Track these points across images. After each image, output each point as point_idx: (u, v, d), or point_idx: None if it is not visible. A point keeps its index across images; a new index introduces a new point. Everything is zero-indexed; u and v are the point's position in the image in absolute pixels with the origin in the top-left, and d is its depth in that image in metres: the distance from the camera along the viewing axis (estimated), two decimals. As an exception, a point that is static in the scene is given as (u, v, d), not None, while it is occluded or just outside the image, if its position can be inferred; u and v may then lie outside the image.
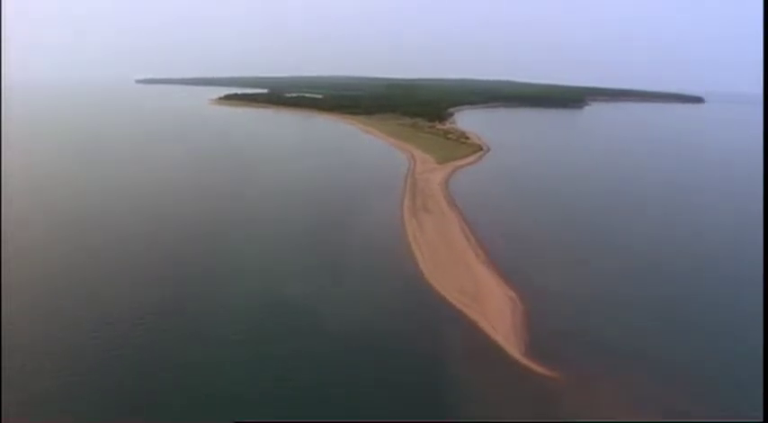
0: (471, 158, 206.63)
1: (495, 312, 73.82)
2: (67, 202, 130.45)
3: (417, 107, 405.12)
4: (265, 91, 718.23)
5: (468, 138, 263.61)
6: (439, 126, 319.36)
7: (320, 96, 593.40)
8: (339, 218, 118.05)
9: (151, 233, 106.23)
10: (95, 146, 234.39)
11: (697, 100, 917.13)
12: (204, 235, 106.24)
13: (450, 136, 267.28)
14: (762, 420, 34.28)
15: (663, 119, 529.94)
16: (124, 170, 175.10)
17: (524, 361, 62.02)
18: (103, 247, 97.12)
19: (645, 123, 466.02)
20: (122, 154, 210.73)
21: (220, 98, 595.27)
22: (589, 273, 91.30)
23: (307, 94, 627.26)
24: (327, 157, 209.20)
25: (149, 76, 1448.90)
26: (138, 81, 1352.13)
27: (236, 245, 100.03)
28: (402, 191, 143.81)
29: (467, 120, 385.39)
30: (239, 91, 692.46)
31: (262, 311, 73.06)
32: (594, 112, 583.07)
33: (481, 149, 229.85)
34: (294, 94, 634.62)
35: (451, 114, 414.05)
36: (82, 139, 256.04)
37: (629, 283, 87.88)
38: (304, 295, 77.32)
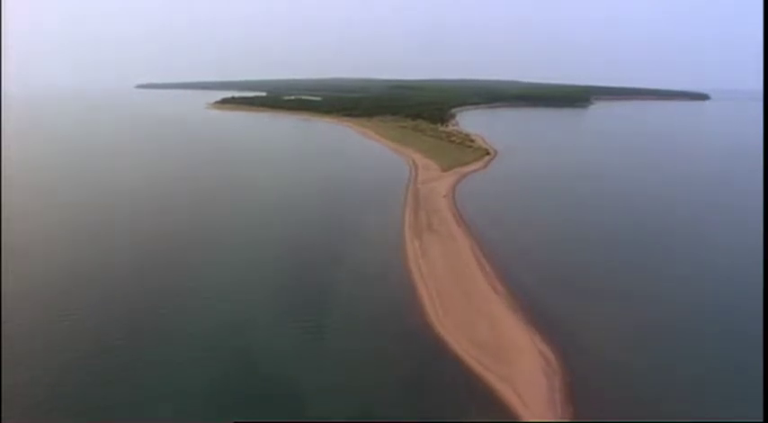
0: (478, 164, 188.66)
1: (525, 377, 56.05)
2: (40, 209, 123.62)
3: (419, 108, 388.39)
4: (264, 94, 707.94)
5: (473, 140, 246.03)
6: (441, 128, 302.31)
7: (319, 99, 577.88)
8: (326, 239, 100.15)
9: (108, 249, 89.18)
10: (82, 152, 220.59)
11: (702, 97, 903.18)
12: (167, 259, 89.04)
13: (453, 139, 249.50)
14: (762, 420, 33.50)
15: (669, 116, 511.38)
16: (105, 177, 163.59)
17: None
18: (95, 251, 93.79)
19: (652, 121, 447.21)
20: (107, 161, 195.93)
21: (216, 102, 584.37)
22: (642, 311, 73.06)
23: (305, 97, 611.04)
24: (319, 164, 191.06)
25: (150, 80, 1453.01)
26: (139, 86, 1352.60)
27: (196, 275, 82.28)
28: (402, 204, 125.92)
29: (470, 121, 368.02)
30: (238, 94, 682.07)
31: (213, 375, 55.50)
32: (600, 110, 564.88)
33: (488, 153, 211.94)
34: (292, 97, 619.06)
35: (454, 116, 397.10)
36: (67, 147, 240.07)
37: (692, 325, 69.84)
38: (271, 354, 59.72)
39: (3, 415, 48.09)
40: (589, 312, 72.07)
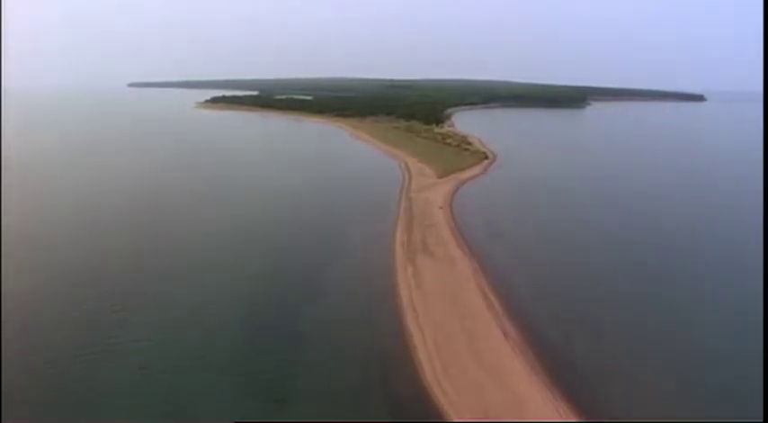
0: (477, 169, 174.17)
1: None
2: None
3: (413, 108, 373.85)
4: (256, 93, 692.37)
5: (470, 143, 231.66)
6: (437, 129, 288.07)
7: (310, 98, 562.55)
8: (301, 264, 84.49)
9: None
10: (54, 156, 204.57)
11: (698, 98, 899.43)
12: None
13: (449, 141, 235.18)
14: (762, 420, 32.94)
15: (667, 117, 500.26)
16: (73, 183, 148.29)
17: None
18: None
19: (651, 123, 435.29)
20: (64, 166, 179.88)
21: (206, 101, 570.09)
22: (684, 362, 58.72)
23: (296, 96, 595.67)
24: (302, 170, 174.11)
25: (143, 79, 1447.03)
26: (131, 84, 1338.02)
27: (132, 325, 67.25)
28: (393, 218, 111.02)
29: (466, 121, 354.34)
30: (231, 93, 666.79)
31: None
32: (596, 111, 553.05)
33: (486, 157, 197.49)
34: (284, 96, 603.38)
35: (449, 116, 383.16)
36: (37, 150, 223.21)
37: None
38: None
39: (3, 415, 46.45)
40: (623, 366, 57.68)
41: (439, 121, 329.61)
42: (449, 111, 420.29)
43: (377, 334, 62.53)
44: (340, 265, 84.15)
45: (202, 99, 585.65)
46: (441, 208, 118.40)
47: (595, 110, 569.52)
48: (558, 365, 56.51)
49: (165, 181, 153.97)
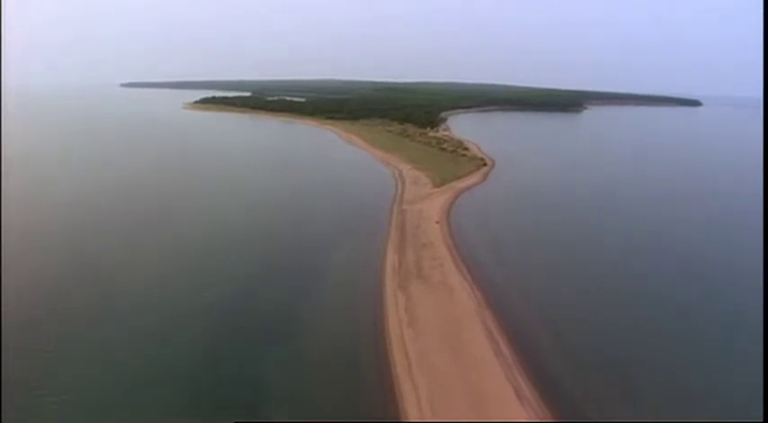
0: (475, 177, 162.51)
1: None
2: None
3: (407, 111, 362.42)
4: (248, 94, 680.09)
5: (467, 148, 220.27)
6: (432, 133, 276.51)
7: (303, 100, 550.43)
8: (270, 293, 72.10)
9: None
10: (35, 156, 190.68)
11: (694, 103, 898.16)
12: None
13: (445, 146, 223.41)
14: (762, 420, 32.23)
15: (667, 122, 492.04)
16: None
17: None
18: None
19: (651, 127, 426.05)
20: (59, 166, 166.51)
21: (195, 102, 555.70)
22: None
23: (288, 98, 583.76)
24: (285, 176, 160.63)
25: (136, 79, 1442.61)
26: (123, 84, 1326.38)
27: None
28: (384, 234, 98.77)
29: (462, 125, 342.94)
30: (223, 94, 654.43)
31: None
32: (594, 115, 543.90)
33: (485, 164, 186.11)
34: (275, 98, 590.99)
35: (445, 119, 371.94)
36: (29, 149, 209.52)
37: None
38: None
39: (2, 415, 45.41)
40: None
41: (434, 124, 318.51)
42: (444, 114, 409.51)
43: (359, 390, 50.18)
44: (319, 292, 71.80)
45: (193, 100, 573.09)
46: (437, 223, 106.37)
47: (592, 114, 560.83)
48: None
49: (133, 191, 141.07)
